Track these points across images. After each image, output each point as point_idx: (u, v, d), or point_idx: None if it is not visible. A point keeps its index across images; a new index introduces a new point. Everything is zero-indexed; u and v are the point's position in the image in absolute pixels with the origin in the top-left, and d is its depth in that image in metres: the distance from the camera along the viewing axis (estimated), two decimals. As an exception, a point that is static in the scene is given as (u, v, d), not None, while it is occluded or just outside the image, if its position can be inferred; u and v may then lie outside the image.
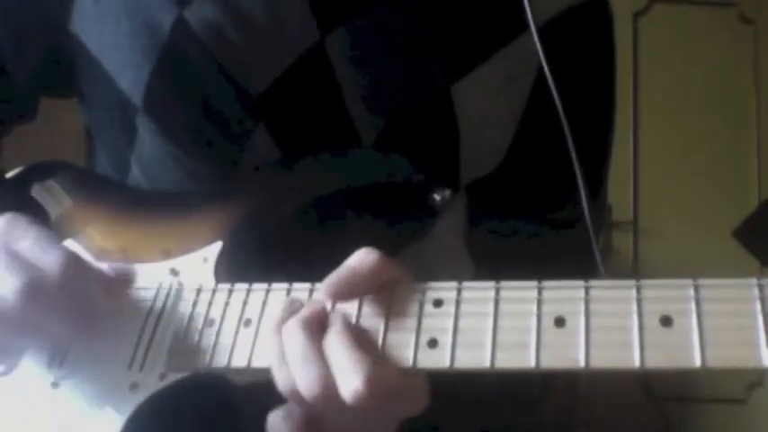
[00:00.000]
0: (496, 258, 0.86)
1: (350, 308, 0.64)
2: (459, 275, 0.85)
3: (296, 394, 0.62)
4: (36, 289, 0.68)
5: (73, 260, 0.70)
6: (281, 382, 0.63)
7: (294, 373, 0.62)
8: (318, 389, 0.60)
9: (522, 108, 0.87)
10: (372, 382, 0.59)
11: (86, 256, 0.80)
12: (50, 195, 0.84)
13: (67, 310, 0.70)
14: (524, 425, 0.86)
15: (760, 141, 3.48)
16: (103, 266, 0.77)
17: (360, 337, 0.62)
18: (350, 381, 0.59)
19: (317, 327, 0.63)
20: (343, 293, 0.64)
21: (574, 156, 0.77)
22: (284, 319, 0.65)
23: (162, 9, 0.82)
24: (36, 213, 0.83)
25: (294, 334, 0.63)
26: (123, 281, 0.76)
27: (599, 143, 0.93)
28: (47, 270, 0.69)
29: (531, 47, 0.81)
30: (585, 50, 0.90)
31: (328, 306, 0.65)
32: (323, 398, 0.61)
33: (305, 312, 0.65)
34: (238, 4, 0.81)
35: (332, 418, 0.64)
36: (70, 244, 0.81)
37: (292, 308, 0.66)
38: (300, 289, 0.68)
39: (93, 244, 0.81)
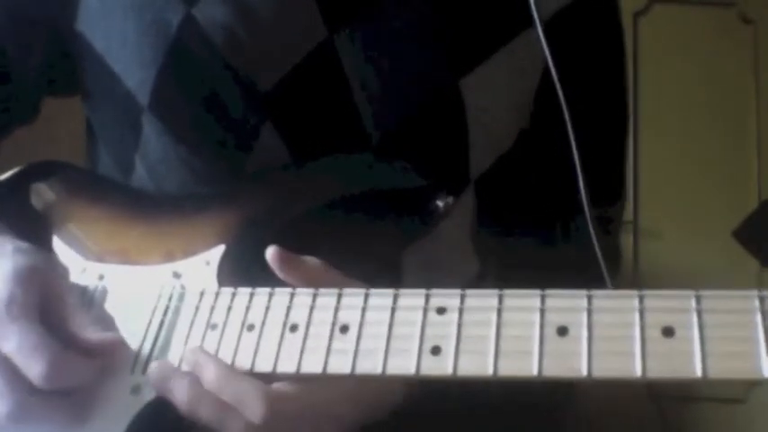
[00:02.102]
0: (502, 256, 0.86)
1: (353, 315, 0.64)
2: (464, 272, 0.86)
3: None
4: (24, 410, 0.67)
5: (59, 362, 0.67)
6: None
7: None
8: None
9: (531, 101, 0.87)
10: (269, 404, 0.63)
11: (76, 257, 0.80)
12: (40, 196, 0.84)
13: (55, 410, 0.69)
14: None
15: (760, 141, 3.47)
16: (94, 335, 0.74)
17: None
18: (252, 409, 0.63)
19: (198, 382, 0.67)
20: None
21: (576, 156, 0.77)
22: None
23: (170, 7, 0.81)
24: (32, 215, 0.83)
25: (194, 405, 0.67)
26: (111, 347, 0.73)
27: (613, 138, 0.92)
28: (31, 379, 0.66)
29: (539, 40, 0.81)
30: (593, 43, 0.89)
31: None
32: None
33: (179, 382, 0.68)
34: (247, 3, 0.81)
35: None
36: (56, 243, 0.81)
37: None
38: (304, 294, 0.68)
39: (90, 244, 0.81)
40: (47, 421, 0.68)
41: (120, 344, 0.72)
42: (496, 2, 0.86)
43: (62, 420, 0.69)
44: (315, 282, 0.68)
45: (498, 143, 0.86)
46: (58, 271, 0.76)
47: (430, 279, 0.66)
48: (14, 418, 0.66)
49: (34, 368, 0.66)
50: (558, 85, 0.77)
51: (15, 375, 0.66)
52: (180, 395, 0.66)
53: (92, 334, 0.72)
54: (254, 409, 0.62)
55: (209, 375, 0.65)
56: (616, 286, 0.64)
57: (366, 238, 0.69)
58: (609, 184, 0.92)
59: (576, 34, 0.87)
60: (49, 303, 0.70)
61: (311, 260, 0.69)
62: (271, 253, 0.68)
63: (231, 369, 0.66)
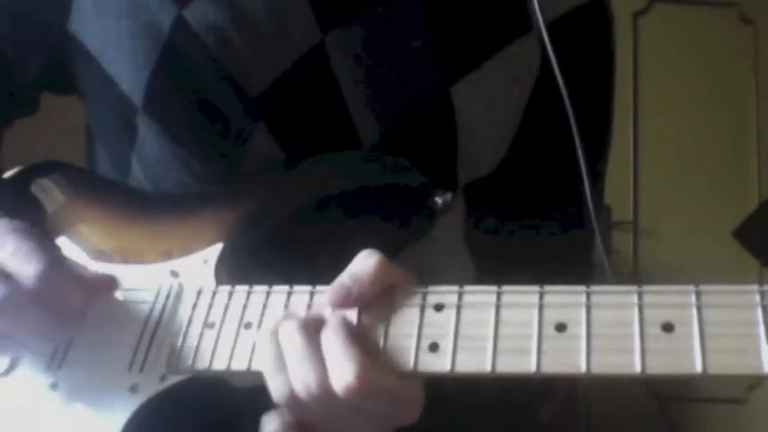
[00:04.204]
0: (497, 257, 0.86)
1: (350, 313, 0.64)
2: (460, 274, 0.86)
3: (289, 401, 0.62)
4: (8, 301, 0.68)
5: (52, 268, 0.69)
6: (274, 388, 0.63)
7: (290, 371, 0.62)
8: (314, 387, 0.61)
9: (523, 110, 0.87)
10: (365, 378, 0.59)
11: (79, 255, 0.80)
12: (44, 193, 0.84)
13: (43, 319, 0.69)
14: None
15: (760, 141, 3.48)
16: (88, 271, 0.76)
17: (358, 336, 0.62)
18: (343, 375, 0.60)
19: (314, 328, 0.63)
20: (346, 301, 0.64)
21: (580, 156, 0.77)
22: (287, 316, 0.65)
23: (162, 9, 0.82)
24: (34, 213, 0.83)
25: (291, 334, 0.63)
26: (106, 284, 0.75)
27: (597, 145, 0.93)
28: (23, 280, 0.68)
29: (532, 48, 0.81)
30: (586, 52, 0.90)
31: (327, 312, 0.65)
32: (318, 396, 0.61)
33: (302, 315, 0.65)
34: (239, 4, 0.81)
35: (323, 424, 0.64)
36: (63, 242, 0.81)
37: (289, 314, 0.66)
38: (301, 291, 0.68)
39: (89, 243, 0.81)
40: (30, 320, 0.69)
41: (112, 282, 0.75)
42: (490, 10, 0.86)
43: (38, 329, 0.70)
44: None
45: (489, 150, 0.87)
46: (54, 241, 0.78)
47: (426, 284, 0.65)
48: None
49: (27, 268, 0.68)
50: (563, 92, 0.77)
51: (5, 272, 0.69)
52: (292, 321, 0.64)
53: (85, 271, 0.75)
54: (345, 376, 0.60)
55: (330, 326, 0.63)
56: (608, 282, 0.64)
57: (364, 236, 0.69)
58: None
59: (570, 43, 0.87)
60: (41, 243, 0.72)
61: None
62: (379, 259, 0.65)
63: (350, 331, 0.63)
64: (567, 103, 0.78)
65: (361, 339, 0.62)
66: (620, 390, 3.02)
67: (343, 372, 0.60)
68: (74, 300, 0.71)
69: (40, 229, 0.79)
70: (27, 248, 0.69)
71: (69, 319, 0.71)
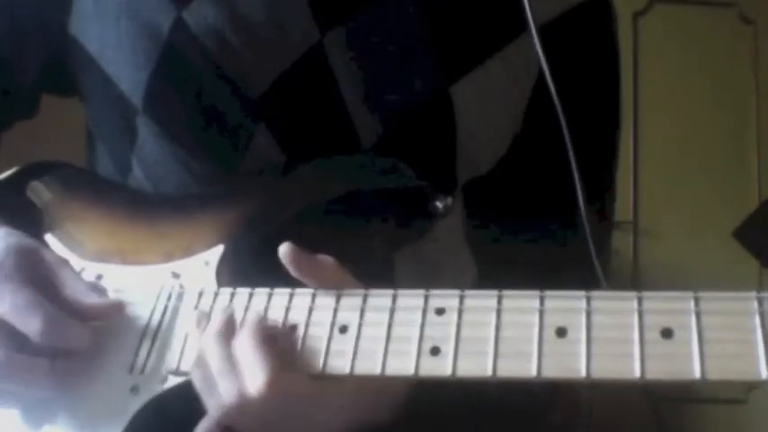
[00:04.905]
0: (498, 257, 0.86)
1: (352, 315, 0.64)
2: (461, 274, 0.86)
3: (220, 409, 0.64)
4: (20, 361, 0.69)
5: (55, 318, 0.69)
6: (198, 386, 0.66)
7: (212, 383, 0.64)
8: (233, 399, 0.63)
9: (523, 109, 0.87)
10: (274, 382, 0.61)
11: (71, 255, 0.80)
12: (35, 195, 0.84)
13: (49, 371, 0.70)
14: None
15: (760, 141, 3.47)
16: (89, 299, 0.75)
17: (270, 338, 0.64)
18: (254, 379, 0.62)
19: (228, 333, 0.66)
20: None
21: (572, 159, 0.77)
22: (200, 322, 0.69)
23: (161, 10, 0.82)
24: (29, 215, 0.83)
25: (209, 343, 0.65)
26: (112, 312, 0.75)
27: (603, 146, 0.92)
28: (30, 335, 0.69)
29: (532, 47, 0.80)
30: (588, 51, 0.89)
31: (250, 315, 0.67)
32: (240, 405, 0.63)
33: (215, 322, 0.67)
34: (238, 5, 0.81)
35: (251, 425, 0.65)
36: (50, 240, 0.82)
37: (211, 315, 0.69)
38: (303, 293, 0.68)
39: (88, 243, 0.81)
40: (30, 381, 0.70)
41: (117, 307, 0.74)
42: (491, 8, 0.85)
43: (46, 383, 0.70)
44: (327, 281, 0.68)
45: (489, 149, 0.87)
46: (50, 252, 0.78)
47: (426, 284, 0.66)
48: (9, 368, 0.69)
49: (31, 324, 0.68)
50: (553, 94, 0.77)
51: (8, 333, 0.69)
52: (207, 332, 0.66)
53: (87, 298, 0.74)
54: (256, 381, 0.62)
55: (242, 331, 0.65)
56: (612, 285, 0.64)
57: (364, 238, 0.69)
58: (600, 181, 0.92)
59: (570, 42, 0.87)
60: (40, 274, 0.73)
61: (325, 259, 0.69)
62: (284, 251, 0.68)
63: (262, 336, 0.65)
64: (558, 103, 0.77)
65: (274, 340, 0.64)
66: (618, 391, 3.02)
67: (254, 377, 0.62)
68: (79, 341, 0.71)
69: (34, 231, 0.79)
70: (25, 301, 0.70)
71: (74, 363, 0.71)
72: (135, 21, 0.83)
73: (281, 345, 0.65)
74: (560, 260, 0.84)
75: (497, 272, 0.84)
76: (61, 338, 0.70)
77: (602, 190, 0.90)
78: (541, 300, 0.60)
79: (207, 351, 0.65)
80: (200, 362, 0.66)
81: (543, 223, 0.88)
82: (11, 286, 0.70)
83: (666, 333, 0.55)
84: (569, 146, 0.77)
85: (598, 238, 0.79)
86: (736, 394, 3.27)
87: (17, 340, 0.69)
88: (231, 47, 0.81)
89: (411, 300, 0.64)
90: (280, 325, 0.67)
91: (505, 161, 0.87)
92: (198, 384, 0.66)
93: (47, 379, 0.70)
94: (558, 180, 0.82)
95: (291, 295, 0.68)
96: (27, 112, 0.97)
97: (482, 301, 0.61)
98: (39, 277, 0.73)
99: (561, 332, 0.58)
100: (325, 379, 0.64)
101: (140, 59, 0.82)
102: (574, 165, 0.77)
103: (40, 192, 0.85)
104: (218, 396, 0.64)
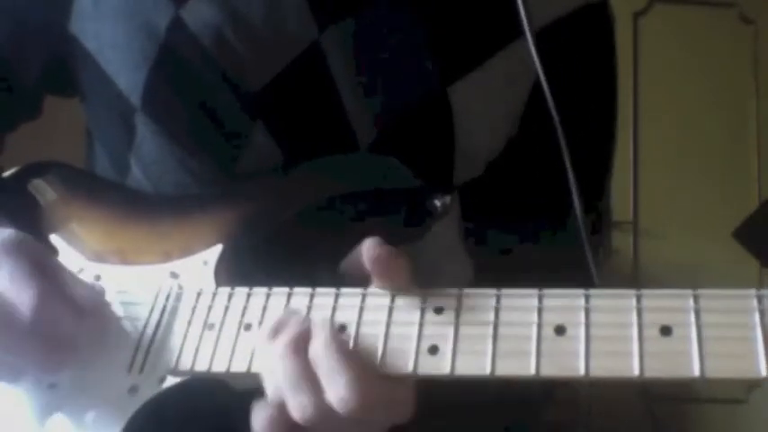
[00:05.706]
0: (495, 258, 0.86)
1: (350, 314, 0.64)
2: (459, 274, 0.86)
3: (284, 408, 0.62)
4: (8, 331, 0.68)
5: (47, 296, 0.69)
6: (270, 393, 0.63)
7: (285, 395, 0.62)
8: (310, 413, 0.60)
9: (520, 111, 0.87)
10: (361, 393, 0.59)
11: (73, 254, 0.80)
12: (38, 193, 0.84)
13: (39, 347, 0.69)
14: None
15: (760, 141, 3.48)
16: (78, 286, 0.75)
17: (349, 346, 0.62)
18: (338, 391, 0.59)
19: (303, 344, 0.63)
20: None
21: (567, 161, 0.77)
22: (276, 330, 0.65)
23: (159, 9, 0.82)
24: (31, 213, 0.83)
25: (282, 356, 0.62)
26: (97, 304, 0.75)
27: (599, 150, 0.93)
28: (20, 309, 0.68)
29: (530, 50, 0.80)
30: (585, 56, 0.89)
31: (317, 323, 0.64)
32: (314, 419, 0.61)
33: (290, 332, 0.64)
34: (236, 4, 0.81)
35: (317, 427, 0.64)
36: (56, 241, 0.82)
37: (285, 321, 0.66)
38: (301, 293, 0.68)
39: (87, 243, 0.82)
40: (27, 348, 0.69)
41: (107, 308, 0.75)
42: (488, 11, 0.85)
43: (35, 359, 0.70)
44: (402, 286, 0.65)
45: (485, 150, 0.87)
46: (48, 250, 0.78)
47: (424, 283, 0.65)
48: None
49: (25, 295, 0.68)
50: (549, 97, 0.77)
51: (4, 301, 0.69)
52: (281, 341, 0.63)
53: (81, 289, 0.74)
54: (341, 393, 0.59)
55: (319, 341, 0.62)
56: (612, 285, 0.64)
57: (362, 237, 0.69)
58: (596, 183, 0.92)
59: (568, 46, 0.87)
60: (36, 265, 0.72)
61: (406, 260, 0.65)
62: (369, 246, 0.65)
63: (343, 347, 0.62)
64: (553, 107, 0.78)
65: (355, 350, 0.62)
66: (616, 390, 3.02)
67: (338, 389, 0.59)
68: (69, 324, 0.71)
69: (34, 230, 0.79)
70: (21, 275, 0.70)
71: (65, 344, 0.71)
72: (133, 19, 0.83)
73: (363, 351, 0.62)
74: (554, 263, 0.84)
75: (494, 273, 0.84)
76: (51, 315, 0.69)
77: (593, 197, 0.90)
78: (540, 298, 0.59)
79: (280, 366, 0.62)
80: (272, 375, 0.63)
81: (536, 226, 0.88)
82: (10, 259, 0.70)
83: (665, 331, 0.55)
84: (565, 150, 0.77)
85: (590, 243, 0.79)
86: (736, 394, 3.28)
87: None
88: (229, 45, 0.81)
89: (409, 299, 0.64)
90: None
91: (498, 163, 0.87)
92: (271, 396, 0.63)
93: (35, 353, 0.69)
94: (552, 183, 0.82)
95: (289, 295, 0.68)
96: (30, 113, 0.97)
97: (480, 300, 0.61)
98: (36, 259, 0.72)
99: (560, 330, 0.58)
100: (405, 382, 0.61)
101: (138, 58, 0.82)
102: (569, 168, 0.77)
103: (43, 190, 0.85)
104: (293, 412, 0.61)
